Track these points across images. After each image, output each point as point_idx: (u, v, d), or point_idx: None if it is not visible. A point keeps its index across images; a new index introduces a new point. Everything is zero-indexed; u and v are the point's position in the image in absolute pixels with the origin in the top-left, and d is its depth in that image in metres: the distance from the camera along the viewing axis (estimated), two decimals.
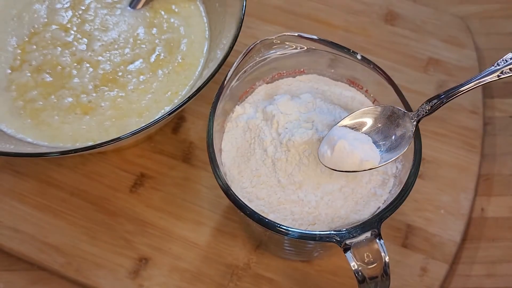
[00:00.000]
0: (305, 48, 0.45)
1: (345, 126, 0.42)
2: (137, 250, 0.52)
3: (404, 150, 0.40)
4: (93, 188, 0.54)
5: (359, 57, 0.44)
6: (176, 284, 0.50)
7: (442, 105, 0.39)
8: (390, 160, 0.40)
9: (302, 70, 0.48)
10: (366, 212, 0.41)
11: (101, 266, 0.51)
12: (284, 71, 0.47)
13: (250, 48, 0.43)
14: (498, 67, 0.36)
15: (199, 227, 0.53)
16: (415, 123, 0.40)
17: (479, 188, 0.57)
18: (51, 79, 0.53)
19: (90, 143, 0.50)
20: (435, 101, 0.39)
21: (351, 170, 0.39)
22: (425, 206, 0.54)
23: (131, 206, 0.54)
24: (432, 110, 0.39)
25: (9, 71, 0.54)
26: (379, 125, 0.41)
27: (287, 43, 0.45)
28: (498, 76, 0.36)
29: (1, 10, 0.58)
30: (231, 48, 0.48)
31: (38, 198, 0.54)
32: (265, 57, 0.45)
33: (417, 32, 0.66)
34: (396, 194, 0.39)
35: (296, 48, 0.45)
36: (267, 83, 0.48)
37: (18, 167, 0.56)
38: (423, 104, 0.40)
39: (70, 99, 0.52)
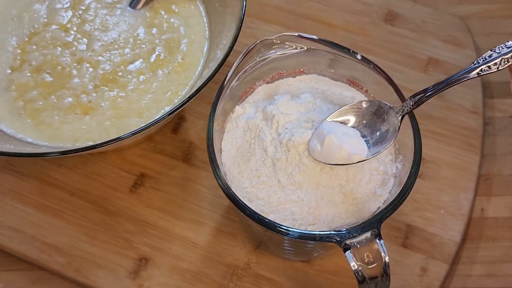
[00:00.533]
0: (305, 48, 0.45)
1: (334, 120, 0.42)
2: (137, 250, 0.52)
3: (390, 144, 0.41)
4: (93, 188, 0.54)
5: (359, 57, 0.44)
6: (176, 284, 0.50)
7: (425, 100, 0.39)
8: (377, 154, 0.41)
9: (302, 70, 0.48)
10: (366, 212, 0.41)
11: (101, 266, 0.51)
12: (284, 71, 0.47)
13: (250, 48, 0.43)
14: (477, 65, 0.37)
15: (199, 227, 0.53)
16: (400, 117, 0.40)
17: (479, 188, 0.57)
18: (51, 79, 0.53)
19: (90, 143, 0.50)
20: (418, 96, 0.40)
21: (340, 163, 0.40)
22: (425, 206, 0.54)
23: (131, 206, 0.54)
24: (417, 105, 0.40)
25: (9, 71, 0.54)
26: (367, 119, 0.42)
27: (287, 43, 0.45)
28: (478, 73, 0.37)
29: (1, 10, 0.58)
30: (231, 48, 0.48)
31: (38, 198, 0.54)
32: (265, 57, 0.45)
33: (417, 32, 0.66)
34: (396, 194, 0.39)
35: (296, 48, 0.45)
36: (267, 83, 0.48)
37: (18, 167, 0.56)
38: (407, 100, 0.40)
39: (70, 99, 0.52)
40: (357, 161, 0.40)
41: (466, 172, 0.56)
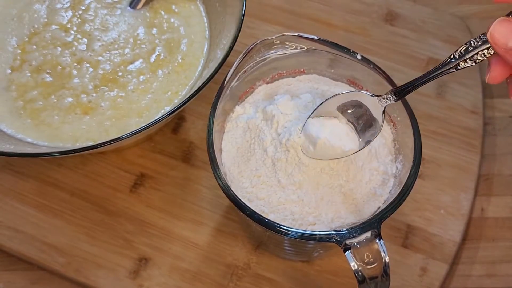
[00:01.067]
0: (305, 48, 0.45)
1: (320, 116, 0.42)
2: (137, 250, 0.52)
3: (377, 134, 0.41)
4: (93, 188, 0.54)
5: (359, 57, 0.44)
6: (176, 284, 0.50)
7: (407, 93, 0.39)
8: (368, 143, 0.41)
9: (302, 70, 0.48)
10: (366, 212, 0.41)
11: (101, 266, 0.51)
12: (284, 71, 0.47)
13: (250, 48, 0.43)
14: (454, 60, 0.37)
15: (199, 227, 0.53)
16: (382, 108, 0.40)
17: (479, 188, 0.57)
18: (51, 79, 0.53)
19: (90, 143, 0.50)
20: (399, 89, 0.39)
21: (335, 158, 0.41)
22: (425, 206, 0.54)
23: (131, 206, 0.54)
24: (398, 98, 0.39)
25: (9, 71, 0.54)
26: (351, 109, 0.42)
27: (287, 43, 0.45)
28: (456, 68, 0.37)
29: (1, 10, 0.58)
30: (231, 48, 0.48)
31: (38, 198, 0.54)
32: (265, 57, 0.45)
33: (417, 32, 0.66)
34: (396, 194, 0.39)
35: (296, 48, 0.45)
36: (267, 83, 0.48)
37: (18, 167, 0.56)
38: (388, 93, 0.40)
39: (70, 99, 0.52)
40: (351, 154, 0.41)
41: (466, 172, 0.56)
